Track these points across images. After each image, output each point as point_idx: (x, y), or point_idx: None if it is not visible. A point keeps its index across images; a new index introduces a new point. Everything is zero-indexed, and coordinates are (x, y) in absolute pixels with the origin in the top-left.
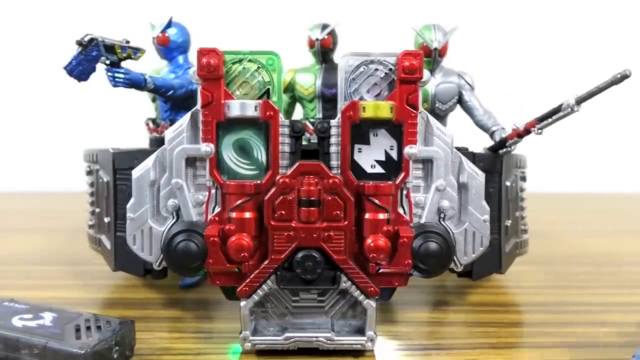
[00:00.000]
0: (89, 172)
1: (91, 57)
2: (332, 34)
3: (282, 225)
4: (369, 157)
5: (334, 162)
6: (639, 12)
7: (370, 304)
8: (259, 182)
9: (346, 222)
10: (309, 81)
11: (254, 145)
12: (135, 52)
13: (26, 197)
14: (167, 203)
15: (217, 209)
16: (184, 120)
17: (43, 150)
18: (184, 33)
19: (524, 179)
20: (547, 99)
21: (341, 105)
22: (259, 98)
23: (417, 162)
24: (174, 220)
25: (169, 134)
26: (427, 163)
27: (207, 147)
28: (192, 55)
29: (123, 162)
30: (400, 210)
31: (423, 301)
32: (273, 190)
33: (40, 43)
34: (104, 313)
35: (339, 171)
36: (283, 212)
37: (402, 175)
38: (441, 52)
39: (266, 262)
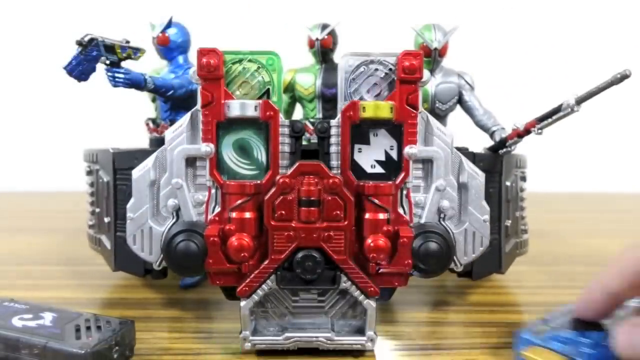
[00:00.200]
0: (89, 172)
1: (91, 57)
2: (332, 34)
3: (282, 225)
4: (369, 157)
5: (334, 162)
6: (639, 12)
7: (370, 304)
8: (259, 182)
9: (346, 222)
10: (309, 81)
11: (254, 145)
12: (135, 52)
13: (26, 197)
14: (167, 203)
15: (217, 209)
16: (184, 120)
17: (43, 150)
18: (184, 33)
19: (524, 179)
20: (547, 99)
21: (341, 105)
22: (259, 98)
23: (417, 162)
24: (174, 220)
25: (169, 134)
26: (427, 163)
27: (207, 147)
28: (192, 55)
29: (123, 162)
30: (400, 210)
31: (423, 301)
32: (273, 190)
33: (40, 43)
34: (104, 313)
35: (339, 171)
36: (283, 212)
37: (402, 175)
38: (441, 52)
39: (266, 262)
